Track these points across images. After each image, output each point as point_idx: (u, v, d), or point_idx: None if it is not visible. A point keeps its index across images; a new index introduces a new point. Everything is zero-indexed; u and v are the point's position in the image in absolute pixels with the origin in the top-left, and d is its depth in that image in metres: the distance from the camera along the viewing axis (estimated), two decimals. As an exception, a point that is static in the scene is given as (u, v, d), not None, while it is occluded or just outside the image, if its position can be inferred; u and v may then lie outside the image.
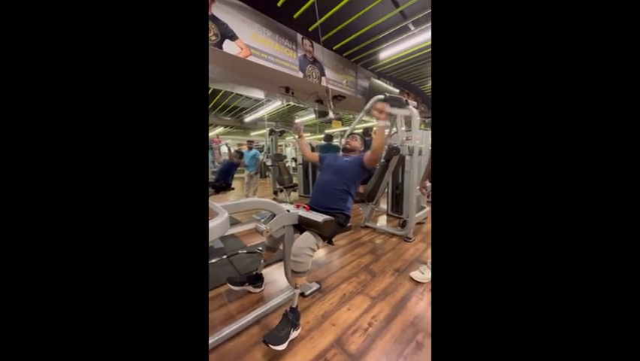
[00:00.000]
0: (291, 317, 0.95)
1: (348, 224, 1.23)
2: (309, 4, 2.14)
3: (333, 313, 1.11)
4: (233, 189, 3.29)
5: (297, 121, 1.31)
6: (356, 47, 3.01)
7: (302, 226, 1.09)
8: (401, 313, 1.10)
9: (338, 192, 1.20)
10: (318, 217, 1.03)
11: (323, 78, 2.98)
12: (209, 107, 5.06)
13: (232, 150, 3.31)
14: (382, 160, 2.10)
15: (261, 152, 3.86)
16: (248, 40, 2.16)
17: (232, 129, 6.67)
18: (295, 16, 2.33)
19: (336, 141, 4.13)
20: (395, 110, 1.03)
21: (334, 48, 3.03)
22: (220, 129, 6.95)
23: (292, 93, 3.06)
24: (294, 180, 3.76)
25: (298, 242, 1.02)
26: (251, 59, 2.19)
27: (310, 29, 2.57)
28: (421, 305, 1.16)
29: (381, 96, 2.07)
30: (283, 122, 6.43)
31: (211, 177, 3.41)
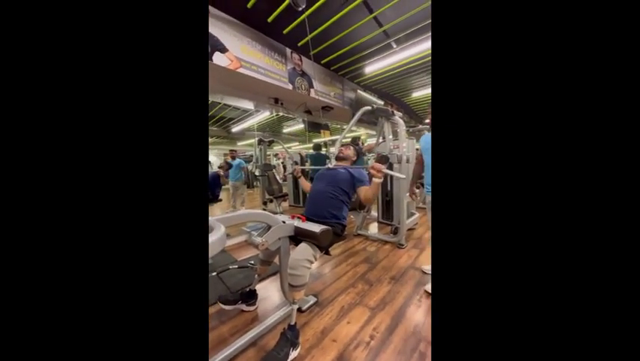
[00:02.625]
0: (290, 336, 0.90)
1: (344, 233, 1.23)
2: (298, 21, 2.23)
3: (333, 328, 1.07)
4: (220, 200, 3.17)
5: (295, 167, 1.46)
6: (343, 61, 3.15)
7: (298, 237, 1.06)
8: (401, 323, 1.09)
9: (333, 200, 1.19)
10: (315, 227, 1.01)
11: (312, 90, 3.06)
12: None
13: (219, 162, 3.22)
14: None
15: (247, 162, 3.78)
16: (238, 52, 2.18)
17: (218, 139, 6.53)
18: (285, 31, 2.40)
19: (324, 150, 4.18)
20: (390, 172, 1.13)
21: (322, 62, 3.14)
22: (205, 140, 6.72)
23: (281, 104, 3.10)
24: (284, 190, 3.72)
25: (295, 254, 0.99)
26: (241, 70, 2.20)
27: (300, 44, 2.65)
28: (420, 313, 1.16)
29: (369, 107, 2.16)
30: (272, 132, 6.43)
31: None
